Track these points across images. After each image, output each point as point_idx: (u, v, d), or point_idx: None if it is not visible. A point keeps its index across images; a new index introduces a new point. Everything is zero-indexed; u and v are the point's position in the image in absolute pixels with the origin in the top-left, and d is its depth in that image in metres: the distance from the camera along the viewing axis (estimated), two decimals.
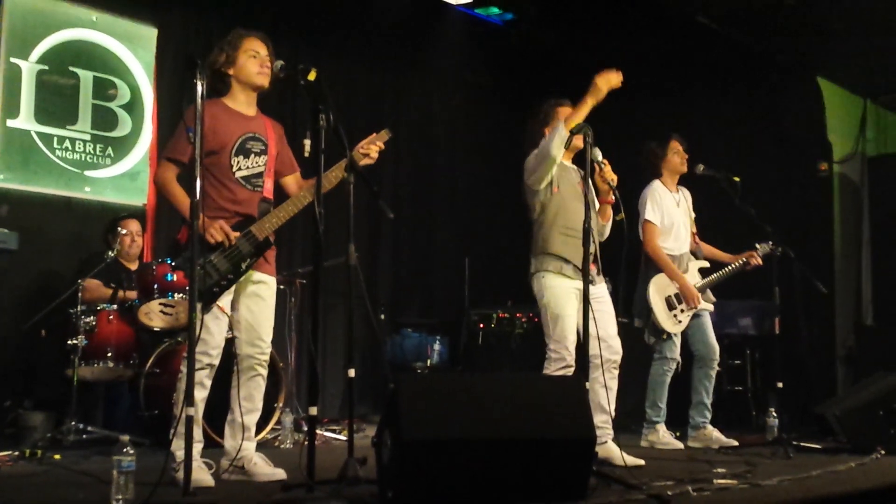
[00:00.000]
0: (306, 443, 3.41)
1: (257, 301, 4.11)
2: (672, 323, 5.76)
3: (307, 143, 3.52)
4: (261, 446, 4.37)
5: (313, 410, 3.33)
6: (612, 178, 4.65)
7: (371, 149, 4.09)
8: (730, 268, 5.99)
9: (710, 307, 5.96)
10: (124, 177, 6.79)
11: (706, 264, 6.02)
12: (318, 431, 5.92)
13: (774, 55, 7.58)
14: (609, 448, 4.55)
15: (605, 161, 4.61)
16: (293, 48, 6.99)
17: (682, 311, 5.79)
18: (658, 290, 5.77)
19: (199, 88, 3.23)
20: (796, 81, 7.80)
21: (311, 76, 3.71)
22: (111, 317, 5.58)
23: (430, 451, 3.22)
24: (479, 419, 3.33)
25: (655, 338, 5.78)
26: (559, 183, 4.81)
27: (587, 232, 4.21)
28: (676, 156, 5.97)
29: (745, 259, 5.97)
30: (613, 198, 4.76)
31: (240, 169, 4.08)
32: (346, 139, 3.72)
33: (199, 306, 3.53)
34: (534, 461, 3.34)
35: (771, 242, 5.85)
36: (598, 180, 4.71)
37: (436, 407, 3.31)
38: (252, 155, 4.12)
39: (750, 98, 7.80)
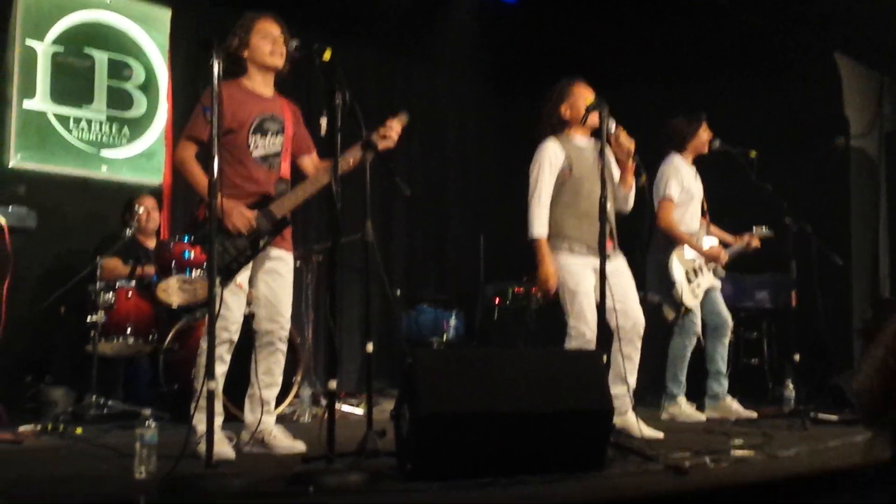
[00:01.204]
0: (325, 416, 3.43)
1: (275, 277, 4.14)
2: (691, 297, 5.77)
3: (324, 122, 3.53)
4: (279, 420, 4.42)
5: (333, 384, 3.35)
6: (629, 144, 4.63)
7: (391, 132, 4.07)
8: (732, 248, 5.99)
9: (719, 283, 5.96)
10: (140, 156, 6.82)
11: (716, 242, 6.01)
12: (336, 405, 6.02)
13: (791, 31, 7.51)
14: (628, 419, 4.57)
15: (620, 128, 4.58)
16: (303, 32, 6.95)
17: (698, 285, 5.80)
18: (679, 263, 5.77)
19: (215, 69, 3.24)
20: (813, 58, 7.74)
21: (327, 56, 3.70)
22: (130, 293, 5.63)
23: (448, 425, 3.25)
24: (497, 392, 3.35)
25: (675, 312, 5.77)
26: (573, 165, 4.80)
27: (604, 207, 4.20)
28: (705, 134, 5.94)
29: (745, 242, 5.97)
30: (633, 164, 4.74)
31: (257, 148, 4.11)
32: (361, 118, 3.73)
33: (218, 281, 3.56)
34: (551, 433, 3.37)
35: (787, 218, 5.82)
36: (614, 149, 4.67)
37: (453, 381, 3.34)
38: (269, 135, 4.15)
39: (766, 75, 7.74)
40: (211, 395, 3.08)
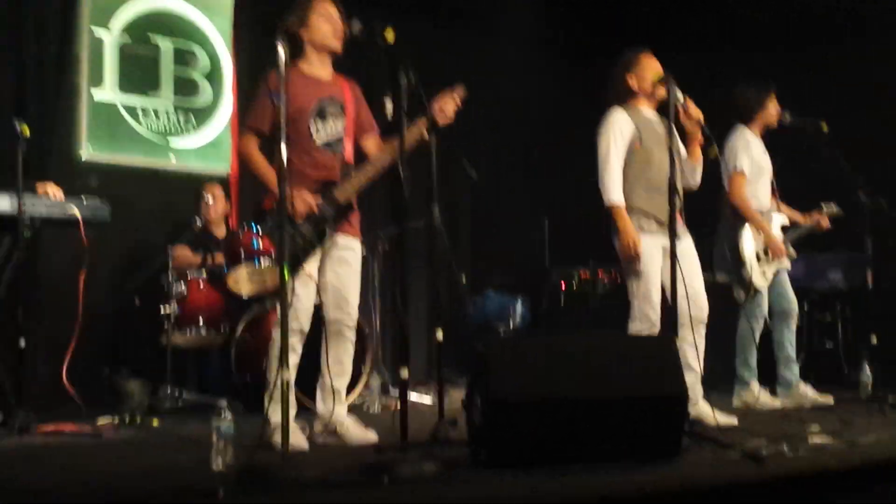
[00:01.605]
0: (396, 405, 3.44)
1: (343, 265, 4.14)
2: (762, 278, 5.64)
3: (389, 103, 3.51)
4: (349, 409, 4.43)
5: (404, 373, 3.35)
6: (698, 115, 4.52)
7: (447, 107, 4.00)
8: (803, 228, 5.83)
9: (789, 264, 5.81)
10: (208, 145, 6.88)
11: (787, 221, 5.86)
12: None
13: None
14: (700, 407, 4.49)
15: (688, 99, 4.49)
16: (364, 12, 6.96)
17: (768, 264, 5.66)
18: (751, 243, 5.62)
19: (281, 53, 3.24)
20: (889, 26, 7.49)
21: (389, 36, 3.69)
22: (201, 284, 5.71)
23: (522, 412, 3.24)
24: (569, 379, 3.33)
25: (745, 293, 5.62)
26: (642, 136, 4.71)
27: (672, 185, 4.12)
28: (773, 107, 5.77)
29: (814, 222, 5.81)
30: (702, 137, 4.65)
31: (319, 133, 4.10)
32: (426, 98, 3.70)
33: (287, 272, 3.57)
34: (625, 420, 3.33)
35: (860, 192, 5.65)
36: (682, 120, 4.55)
37: (524, 367, 3.32)
38: (330, 119, 4.13)
39: (840, 41, 7.51)
40: (285, 386, 3.09)
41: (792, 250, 5.81)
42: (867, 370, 5.74)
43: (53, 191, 4.76)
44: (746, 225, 5.62)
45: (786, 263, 5.77)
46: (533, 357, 3.36)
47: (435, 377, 6.88)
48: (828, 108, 6.33)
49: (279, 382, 3.12)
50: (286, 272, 3.32)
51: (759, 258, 5.62)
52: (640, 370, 3.40)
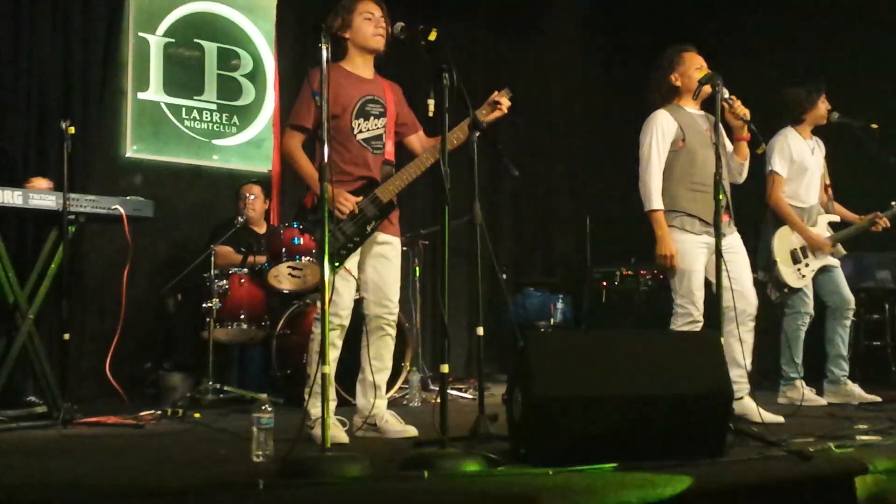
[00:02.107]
0: (435, 400, 3.43)
1: (383, 262, 4.15)
2: (796, 277, 5.57)
3: (431, 103, 3.50)
4: (390, 405, 4.44)
5: (445, 368, 3.34)
6: (745, 112, 4.45)
7: (502, 101, 4.03)
8: (855, 227, 5.74)
9: (838, 262, 5.72)
10: (250, 144, 6.95)
11: (836, 219, 5.78)
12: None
13: None
14: (745, 404, 4.43)
15: (734, 97, 4.43)
16: (408, 15, 6.97)
17: (806, 265, 5.58)
18: (783, 243, 5.58)
19: (325, 52, 3.25)
20: None
21: (432, 36, 3.68)
22: (242, 280, 5.74)
23: (562, 408, 3.20)
24: (611, 375, 3.28)
25: (778, 292, 5.60)
26: (685, 135, 4.66)
27: (718, 184, 4.07)
28: (823, 104, 5.71)
29: (868, 221, 5.72)
30: (749, 133, 4.58)
31: (361, 131, 4.11)
32: (468, 98, 3.70)
33: (328, 268, 3.58)
34: (668, 417, 3.28)
35: None
36: (729, 118, 4.50)
37: (566, 363, 3.29)
38: (372, 117, 4.15)
39: (888, 39, 7.38)
40: (324, 380, 3.09)
41: (841, 248, 5.73)
42: None
43: (41, 184, 4.81)
44: (782, 225, 5.57)
45: (833, 261, 5.69)
46: (574, 353, 3.33)
47: (489, 372, 6.91)
48: (877, 104, 6.23)
49: (318, 376, 3.10)
50: (327, 269, 3.32)
51: (795, 258, 5.56)
52: (683, 367, 3.35)
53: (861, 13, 7.32)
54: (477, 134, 3.90)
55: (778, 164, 5.60)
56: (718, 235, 4.06)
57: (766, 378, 5.89)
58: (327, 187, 3.23)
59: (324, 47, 3.26)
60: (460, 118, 3.93)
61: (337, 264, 3.92)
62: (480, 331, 3.82)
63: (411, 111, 4.35)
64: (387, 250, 4.17)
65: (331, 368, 3.89)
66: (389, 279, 4.17)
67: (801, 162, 5.64)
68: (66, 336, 4.64)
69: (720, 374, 3.39)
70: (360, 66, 4.18)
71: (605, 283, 7.74)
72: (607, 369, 3.30)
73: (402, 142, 4.32)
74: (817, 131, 5.84)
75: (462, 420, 3.83)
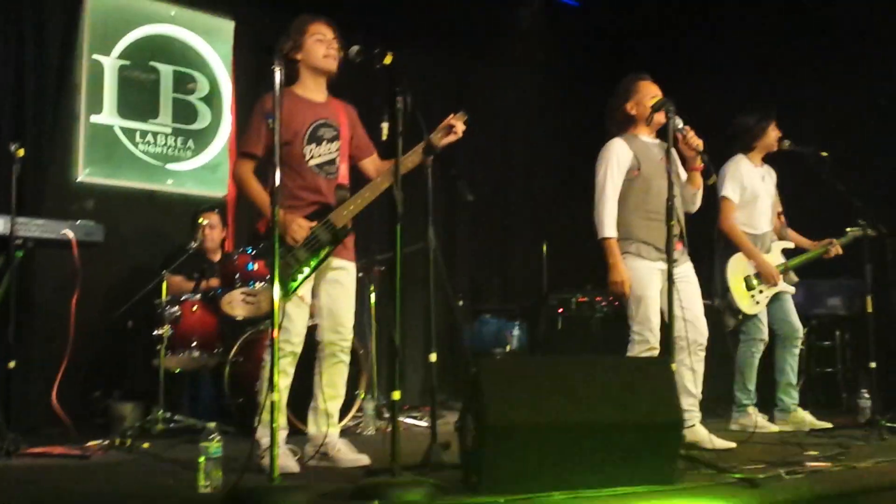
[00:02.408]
0: (389, 429, 3.40)
1: (337, 287, 4.12)
2: (750, 304, 5.62)
3: (385, 126, 3.50)
4: (343, 433, 4.39)
5: (397, 395, 3.32)
6: (698, 143, 4.51)
7: (456, 125, 4.03)
8: (809, 254, 5.82)
9: (792, 289, 5.80)
10: (205, 169, 6.89)
11: (790, 245, 5.85)
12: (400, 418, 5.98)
13: (864, 24, 7.29)
14: (697, 431, 4.45)
15: (688, 127, 4.48)
16: (365, 39, 6.98)
17: (760, 291, 5.64)
18: (737, 269, 5.64)
19: (278, 76, 3.23)
20: (887, 48, 7.50)
21: (388, 60, 3.69)
22: (195, 307, 5.67)
23: (514, 436, 3.19)
24: (564, 403, 3.28)
25: (733, 319, 5.65)
26: (641, 164, 4.70)
27: (670, 210, 4.10)
28: (774, 132, 5.80)
29: (823, 248, 5.79)
30: (702, 163, 4.63)
31: (313, 157, 4.09)
32: (423, 122, 3.70)
33: (280, 294, 3.54)
34: (620, 445, 3.28)
35: (860, 221, 5.64)
36: (683, 148, 4.56)
37: (518, 390, 3.28)
38: (324, 142, 4.12)
39: (843, 70, 7.53)
40: (273, 408, 3.05)
41: (793, 275, 5.80)
42: (865, 396, 5.72)
43: None
44: (736, 253, 5.64)
45: (788, 288, 5.75)
46: (526, 380, 3.32)
47: (445, 399, 6.88)
48: (825, 133, 6.34)
49: (268, 404, 3.06)
50: (279, 295, 3.29)
51: (749, 285, 5.62)
52: (635, 394, 3.36)
53: (812, 43, 7.46)
54: (431, 158, 3.89)
55: (729, 190, 5.67)
56: (671, 261, 4.09)
57: (719, 404, 5.92)
58: (279, 213, 3.20)
59: (277, 70, 3.24)
60: (416, 142, 3.93)
61: (292, 289, 3.88)
62: (433, 357, 3.80)
63: (366, 134, 4.34)
64: (341, 276, 4.14)
65: (282, 396, 3.85)
66: (343, 305, 4.14)
67: (751, 189, 5.72)
68: (12, 364, 4.55)
69: (671, 401, 3.40)
70: (312, 89, 4.16)
71: (561, 310, 7.74)
72: (559, 396, 3.29)
73: (357, 165, 4.31)
74: (768, 159, 5.93)
75: (415, 448, 3.80)
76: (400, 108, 3.44)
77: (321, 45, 4.10)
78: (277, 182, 3.19)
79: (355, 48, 3.92)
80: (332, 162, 4.13)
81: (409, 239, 4.25)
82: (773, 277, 5.62)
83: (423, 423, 5.95)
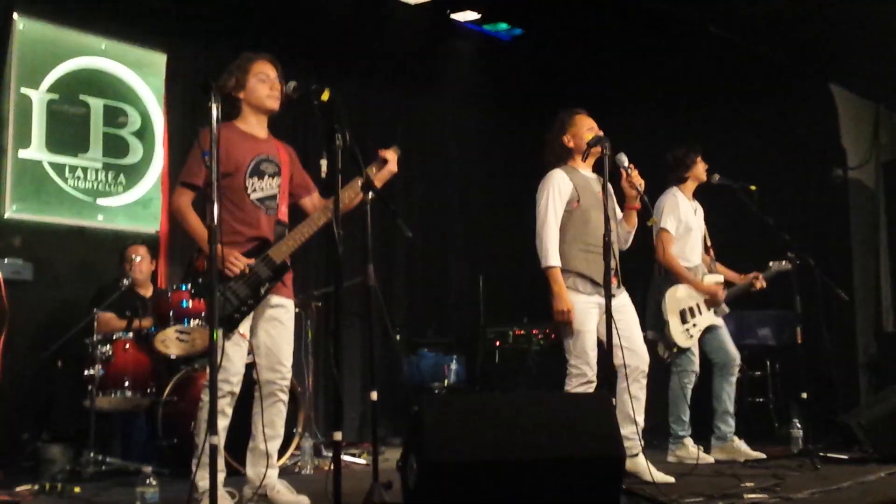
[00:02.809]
0: (330, 467, 3.35)
1: (276, 325, 4.07)
2: (684, 337, 5.71)
3: (324, 163, 3.49)
4: (281, 472, 4.32)
5: (338, 435, 3.28)
6: (640, 182, 4.57)
7: (388, 157, 4.06)
8: (737, 287, 5.93)
9: (721, 321, 5.90)
10: (137, 204, 6.77)
11: (721, 278, 5.95)
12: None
13: (786, 63, 7.54)
14: (638, 462, 4.47)
15: (632, 165, 4.54)
16: (302, 72, 6.97)
17: (693, 325, 5.73)
18: (673, 302, 5.71)
19: (214, 112, 3.20)
20: (808, 88, 7.76)
21: (325, 96, 3.69)
22: (127, 345, 5.54)
23: (457, 474, 3.18)
24: (506, 440, 3.28)
25: (667, 351, 5.72)
26: (580, 196, 4.75)
27: (608, 245, 4.15)
28: (701, 165, 5.93)
29: (748, 281, 5.91)
30: (640, 204, 4.69)
31: (254, 190, 4.05)
32: (361, 159, 3.70)
33: (219, 333, 3.49)
34: (562, 481, 3.29)
35: (789, 253, 5.76)
36: (624, 186, 4.62)
37: (461, 428, 3.27)
38: (266, 176, 4.09)
39: (762, 106, 7.76)
40: (214, 451, 2.99)
41: (724, 307, 5.90)
42: (797, 425, 5.82)
43: None
44: (673, 285, 5.72)
45: (717, 321, 5.85)
46: (469, 417, 3.32)
47: (382, 437, 6.82)
48: (752, 167, 6.50)
49: (206, 447, 3.00)
50: (217, 333, 3.24)
51: (683, 318, 5.70)
52: (576, 430, 3.38)
53: (737, 78, 7.66)
54: (370, 195, 3.89)
55: (668, 223, 5.76)
56: (608, 294, 4.13)
57: (655, 436, 5.98)
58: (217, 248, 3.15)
59: (214, 106, 3.21)
60: (351, 179, 3.92)
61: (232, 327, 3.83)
62: (374, 395, 3.76)
63: (305, 173, 4.32)
64: (280, 313, 4.09)
65: (220, 438, 3.77)
66: (283, 343, 4.08)
67: (686, 222, 5.83)
68: None
69: (612, 435, 3.42)
70: (255, 126, 4.14)
71: (498, 343, 7.78)
72: (501, 432, 3.30)
73: (297, 203, 4.28)
74: (696, 194, 6.03)
75: (355, 487, 3.75)
76: (339, 146, 3.43)
77: (264, 86, 4.08)
78: (216, 219, 3.14)
79: (292, 84, 3.92)
80: (272, 197, 4.10)
81: (349, 273, 4.24)
82: (718, 293, 5.73)
83: (362, 461, 5.89)
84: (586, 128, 4.79)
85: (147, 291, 6.11)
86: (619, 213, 4.81)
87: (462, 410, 3.37)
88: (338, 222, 3.40)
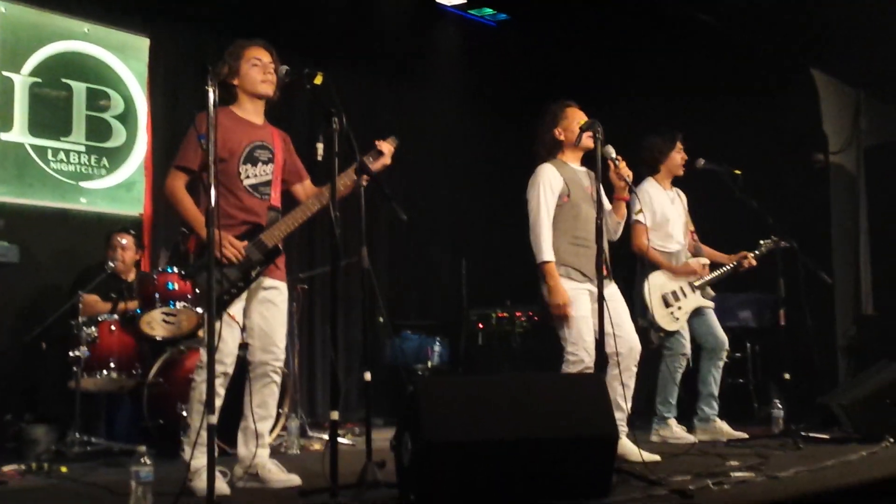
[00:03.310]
0: (322, 448, 3.38)
1: (270, 307, 4.08)
2: (669, 320, 5.75)
3: (320, 146, 3.49)
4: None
5: (335, 415, 3.31)
6: (628, 174, 4.60)
7: (384, 149, 4.09)
8: (725, 268, 5.98)
9: (711, 303, 5.95)
10: (120, 187, 6.73)
11: (706, 261, 5.99)
12: (323, 436, 5.94)
13: (768, 48, 7.59)
14: (624, 444, 4.50)
15: (620, 157, 4.57)
16: (283, 55, 6.94)
17: (679, 307, 5.78)
18: (654, 288, 5.74)
19: (211, 96, 3.19)
20: (790, 74, 7.82)
21: (318, 80, 3.70)
22: (113, 327, 5.54)
23: (453, 453, 3.21)
24: (501, 419, 3.31)
25: (656, 335, 5.77)
26: (570, 190, 4.76)
27: (599, 230, 4.18)
28: (678, 155, 5.95)
29: (737, 260, 5.96)
30: (629, 194, 4.73)
31: (248, 177, 4.06)
32: (355, 143, 3.70)
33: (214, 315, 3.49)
34: (556, 460, 3.33)
35: (773, 236, 5.83)
36: (612, 177, 4.65)
37: (456, 408, 3.30)
38: (259, 163, 4.10)
39: (744, 92, 7.79)
40: (211, 431, 3.01)
41: (710, 290, 5.96)
42: (778, 405, 5.89)
43: None
44: (652, 272, 5.76)
45: (706, 303, 5.91)
46: (464, 398, 3.34)
47: (358, 418, 6.83)
48: (735, 152, 6.55)
49: (204, 426, 3.01)
50: (210, 317, 3.24)
51: (667, 302, 5.74)
52: (570, 410, 3.41)
53: (720, 64, 7.70)
54: (364, 178, 3.90)
55: (641, 213, 5.77)
56: (601, 281, 4.16)
57: (637, 417, 6.03)
58: (216, 232, 3.16)
59: (210, 90, 3.21)
60: (346, 164, 3.93)
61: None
62: (368, 376, 3.79)
63: (299, 161, 4.32)
64: (273, 295, 4.10)
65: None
66: (276, 325, 4.09)
67: (661, 212, 5.86)
68: None
69: (606, 416, 3.46)
70: (250, 112, 4.13)
71: (481, 325, 7.81)
72: (496, 413, 3.33)
73: (289, 190, 4.28)
74: (679, 182, 6.06)
75: (344, 467, 3.75)
76: (335, 129, 3.44)
77: (258, 70, 4.07)
78: (213, 202, 3.14)
79: (284, 68, 3.94)
80: (266, 183, 4.10)
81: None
82: (697, 270, 5.78)
83: (346, 441, 5.90)
84: (577, 121, 4.80)
85: (130, 275, 6.08)
86: (609, 205, 4.83)
87: (457, 391, 3.40)
88: (334, 205, 3.41)
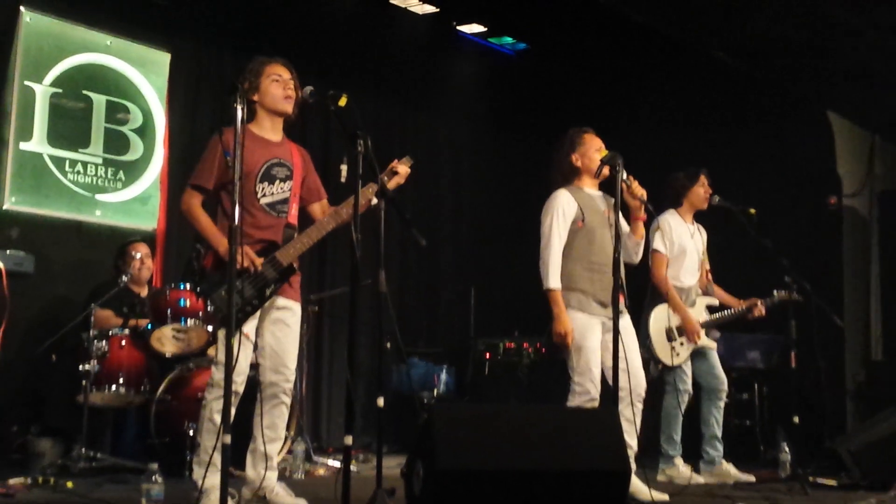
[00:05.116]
0: (319, 472, 3.35)
1: (282, 327, 4.07)
2: (669, 355, 5.71)
3: (344, 168, 3.50)
4: None
5: (348, 440, 3.29)
6: (642, 192, 4.60)
7: (399, 169, 4.09)
8: (732, 311, 5.94)
9: (714, 344, 5.92)
10: (135, 201, 6.74)
11: (715, 302, 5.97)
12: (328, 461, 5.91)
13: (785, 89, 7.62)
14: (633, 482, 4.48)
15: (631, 177, 4.57)
16: (303, 75, 6.97)
17: (681, 343, 5.74)
18: (658, 321, 5.72)
19: (239, 113, 3.21)
20: (806, 115, 7.84)
21: (342, 102, 3.71)
22: (123, 342, 5.51)
23: (465, 482, 3.19)
24: (515, 450, 3.30)
25: (656, 368, 5.73)
26: (585, 215, 4.77)
27: (617, 262, 4.17)
28: (702, 189, 5.95)
29: (747, 307, 5.93)
30: (645, 214, 4.73)
31: (264, 195, 4.06)
32: (376, 165, 3.71)
33: (222, 333, 3.49)
34: (569, 493, 3.31)
35: (787, 278, 5.78)
36: (627, 198, 4.65)
37: (470, 437, 3.29)
38: (277, 181, 4.10)
39: (760, 132, 7.83)
40: (225, 450, 2.99)
41: (716, 331, 5.93)
42: (786, 449, 5.84)
43: None
44: (660, 304, 5.74)
45: (710, 343, 5.87)
46: (478, 427, 3.33)
47: (362, 444, 6.82)
48: (749, 192, 6.55)
49: (217, 446, 3.00)
50: (223, 333, 3.24)
51: (670, 336, 5.71)
52: (584, 444, 3.40)
53: (737, 103, 7.73)
54: (384, 202, 3.90)
55: (659, 243, 5.78)
56: (616, 312, 4.15)
57: (644, 455, 5.99)
58: (226, 247, 3.15)
59: (238, 108, 3.22)
60: (364, 184, 3.92)
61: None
62: (381, 402, 3.76)
63: (318, 178, 4.32)
64: (286, 316, 4.09)
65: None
66: (288, 346, 4.08)
67: (680, 244, 5.85)
68: None
69: (619, 451, 3.44)
70: (268, 129, 4.14)
71: (488, 355, 7.78)
72: (510, 443, 3.32)
73: (305, 208, 4.28)
74: (700, 218, 6.06)
75: (351, 493, 3.74)
76: (360, 151, 3.45)
77: (278, 87, 4.08)
78: (237, 220, 3.14)
79: (309, 89, 3.93)
80: (284, 201, 4.10)
81: (342, 280, 4.23)
82: (694, 334, 5.72)
83: (354, 468, 5.84)
84: (595, 148, 4.82)
85: (143, 290, 6.08)
86: (627, 227, 4.83)
87: (471, 420, 3.39)
88: (356, 227, 3.41)
